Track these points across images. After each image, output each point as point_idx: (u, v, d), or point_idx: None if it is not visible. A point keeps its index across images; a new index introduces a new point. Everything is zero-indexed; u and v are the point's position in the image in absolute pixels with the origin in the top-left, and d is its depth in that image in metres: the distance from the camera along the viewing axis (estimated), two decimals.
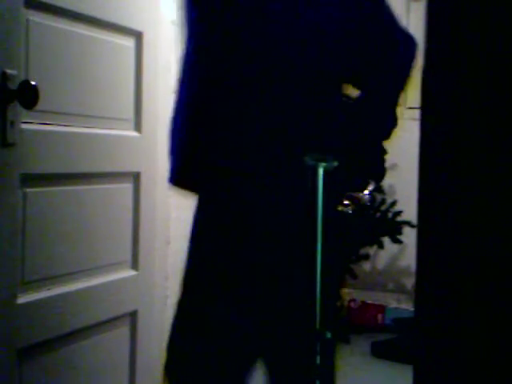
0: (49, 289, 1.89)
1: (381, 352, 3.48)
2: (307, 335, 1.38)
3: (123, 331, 2.25)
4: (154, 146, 2.34)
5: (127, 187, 2.25)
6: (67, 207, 1.96)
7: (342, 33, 1.51)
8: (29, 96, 1.69)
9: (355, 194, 1.55)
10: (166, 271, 2.56)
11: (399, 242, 3.75)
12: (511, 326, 0.98)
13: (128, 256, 2.26)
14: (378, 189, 3.66)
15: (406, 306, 3.89)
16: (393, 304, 4.05)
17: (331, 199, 1.43)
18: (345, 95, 1.61)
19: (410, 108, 3.71)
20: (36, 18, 1.82)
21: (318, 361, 1.37)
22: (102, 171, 2.10)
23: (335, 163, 1.39)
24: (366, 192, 1.57)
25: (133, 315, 2.28)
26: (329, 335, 1.41)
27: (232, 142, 1.52)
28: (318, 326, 1.37)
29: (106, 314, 2.13)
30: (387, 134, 1.56)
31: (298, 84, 1.49)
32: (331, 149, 1.49)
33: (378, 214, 3.80)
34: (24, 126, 1.76)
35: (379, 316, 3.97)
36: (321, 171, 1.38)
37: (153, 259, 2.39)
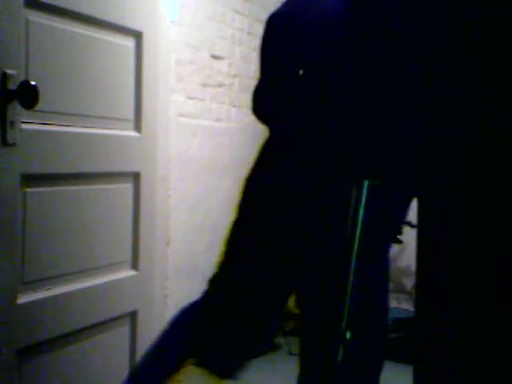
0: (49, 289, 1.89)
1: None
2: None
3: (123, 331, 2.25)
4: (154, 146, 2.33)
5: (127, 187, 2.25)
6: (67, 207, 1.96)
7: None
8: (29, 96, 1.69)
9: None
10: (166, 271, 2.56)
11: (399, 242, 3.75)
12: (511, 325, 0.98)
13: (128, 256, 2.26)
14: None
15: (406, 306, 3.89)
16: (393, 304, 4.05)
17: None
18: None
19: None
20: (36, 18, 1.82)
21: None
22: (102, 171, 2.10)
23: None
24: None
25: (133, 315, 2.29)
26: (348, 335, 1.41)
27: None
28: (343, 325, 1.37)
29: (106, 314, 2.13)
30: None
31: None
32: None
33: None
34: (24, 125, 1.76)
35: None
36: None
37: (153, 259, 2.39)
